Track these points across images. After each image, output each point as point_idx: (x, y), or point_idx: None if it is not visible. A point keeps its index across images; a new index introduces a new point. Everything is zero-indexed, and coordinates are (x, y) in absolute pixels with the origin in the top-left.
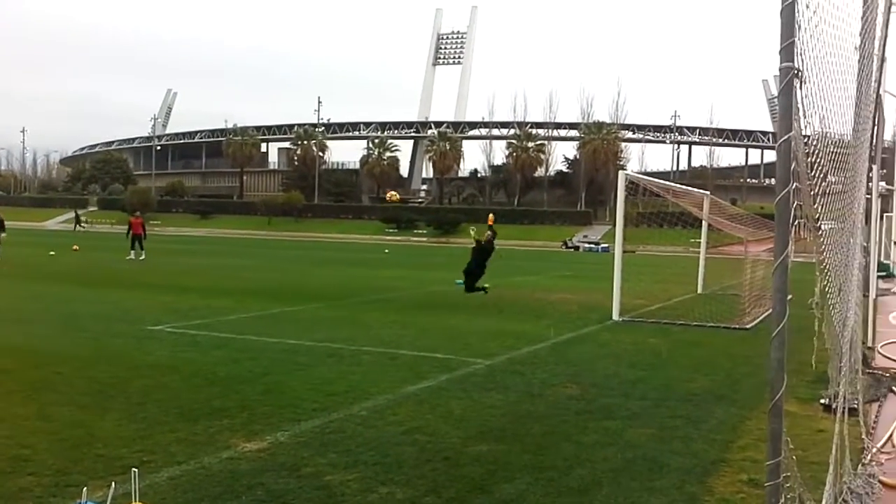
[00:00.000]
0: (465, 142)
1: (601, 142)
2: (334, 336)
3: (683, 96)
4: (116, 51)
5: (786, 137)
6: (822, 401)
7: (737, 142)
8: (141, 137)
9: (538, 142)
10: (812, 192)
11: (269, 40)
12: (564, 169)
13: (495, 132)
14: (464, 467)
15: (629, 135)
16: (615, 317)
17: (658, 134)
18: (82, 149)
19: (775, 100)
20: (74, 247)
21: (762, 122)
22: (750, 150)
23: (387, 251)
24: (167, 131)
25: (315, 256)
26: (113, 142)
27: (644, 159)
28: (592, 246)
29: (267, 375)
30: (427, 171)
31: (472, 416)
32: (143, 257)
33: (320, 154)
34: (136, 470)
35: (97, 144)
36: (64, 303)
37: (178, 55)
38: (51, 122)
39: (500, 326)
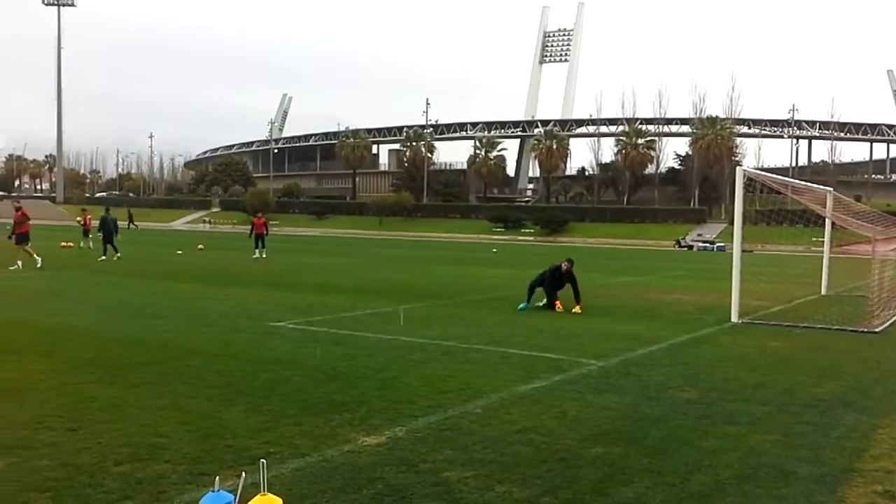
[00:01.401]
0: (572, 140)
1: (715, 137)
2: (446, 334)
3: (802, 89)
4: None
5: None
6: None
7: (860, 136)
8: (259, 141)
9: (648, 138)
10: None
11: (378, 44)
12: (676, 166)
13: (603, 129)
14: (580, 469)
15: (744, 130)
16: (734, 318)
17: (775, 128)
18: (205, 152)
19: None
20: (199, 246)
21: (887, 114)
22: (874, 144)
23: (495, 250)
24: (283, 135)
25: (424, 255)
26: (233, 145)
27: (760, 155)
28: (707, 245)
29: (383, 371)
30: (534, 169)
31: (586, 418)
32: (264, 255)
33: (429, 155)
34: (264, 461)
35: (219, 148)
36: (192, 299)
37: (293, 61)
38: (176, 127)
39: (612, 327)
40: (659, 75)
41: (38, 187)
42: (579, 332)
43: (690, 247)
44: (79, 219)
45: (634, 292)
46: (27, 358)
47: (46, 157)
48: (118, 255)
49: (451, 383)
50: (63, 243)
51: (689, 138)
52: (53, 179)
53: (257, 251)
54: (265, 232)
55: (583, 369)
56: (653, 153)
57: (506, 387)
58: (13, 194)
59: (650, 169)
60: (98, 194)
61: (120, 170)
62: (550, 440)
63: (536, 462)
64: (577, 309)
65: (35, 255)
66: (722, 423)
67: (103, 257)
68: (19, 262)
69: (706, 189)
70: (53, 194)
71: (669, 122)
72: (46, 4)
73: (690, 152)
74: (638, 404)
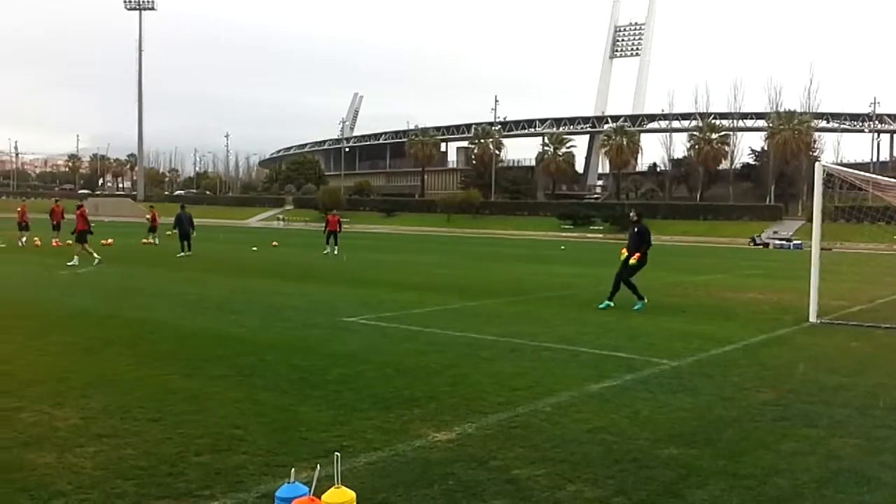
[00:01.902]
0: (643, 135)
1: (792, 132)
2: (515, 331)
3: (884, 81)
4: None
5: None
6: None
7: None
8: (331, 140)
9: (722, 133)
10: None
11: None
12: (751, 161)
13: (675, 124)
14: (653, 469)
15: (823, 124)
16: (812, 318)
17: (855, 122)
18: (278, 151)
19: None
20: (274, 243)
21: None
22: None
23: (563, 247)
24: (354, 133)
25: (492, 253)
26: (306, 144)
27: (840, 150)
28: (784, 242)
29: (453, 368)
30: (603, 166)
31: (659, 418)
32: (336, 252)
33: (497, 152)
34: (338, 454)
35: (292, 147)
36: (267, 295)
37: (364, 61)
38: (251, 127)
39: (685, 327)
40: (733, 69)
41: (120, 186)
42: (651, 332)
43: (766, 244)
44: (147, 216)
45: (708, 291)
46: (113, 350)
47: (128, 156)
48: (190, 252)
49: (520, 381)
50: (144, 240)
51: (765, 133)
52: (134, 178)
53: (328, 247)
54: (338, 229)
55: (655, 369)
56: (727, 148)
57: (576, 385)
58: (97, 193)
59: (724, 165)
60: (176, 192)
61: (197, 168)
62: (622, 440)
63: (608, 462)
64: (625, 252)
65: (94, 254)
66: (800, 426)
67: (181, 253)
68: (86, 255)
69: (782, 185)
70: (134, 192)
71: (744, 116)
72: (129, 9)
73: (766, 147)
74: (713, 405)
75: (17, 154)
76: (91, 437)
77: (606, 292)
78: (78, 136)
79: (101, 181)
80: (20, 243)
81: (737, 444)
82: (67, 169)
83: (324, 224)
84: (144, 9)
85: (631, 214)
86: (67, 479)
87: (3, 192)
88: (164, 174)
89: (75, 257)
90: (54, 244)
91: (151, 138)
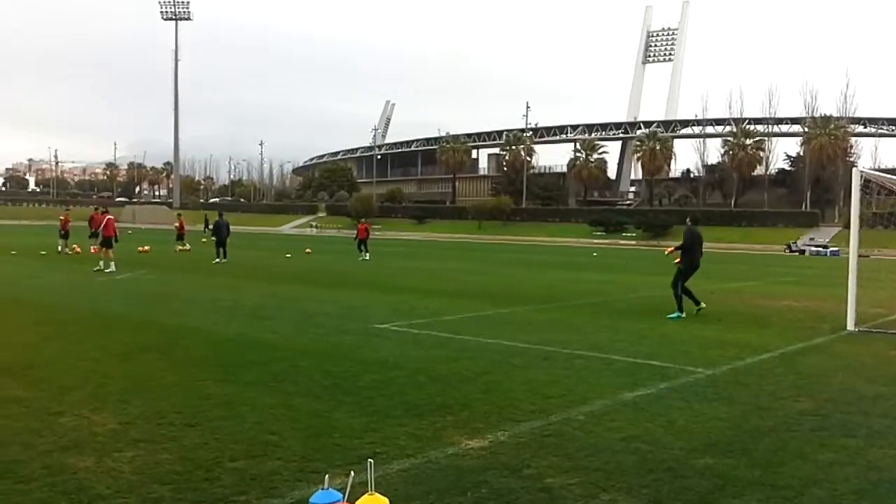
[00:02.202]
0: (676, 141)
1: (828, 137)
2: (547, 339)
3: None
4: (341, 67)
5: None
6: None
7: None
8: (363, 147)
9: (756, 139)
10: None
11: (479, 50)
12: (786, 167)
13: (709, 130)
14: (688, 479)
15: (860, 129)
16: (850, 327)
17: (893, 127)
18: (311, 159)
19: None
20: (307, 250)
21: None
22: None
23: (595, 254)
24: (386, 141)
25: (523, 259)
26: (338, 152)
27: (877, 155)
28: (820, 249)
29: (485, 375)
30: (636, 172)
31: (694, 427)
32: (367, 258)
33: (528, 158)
34: (371, 460)
35: (325, 155)
36: (299, 301)
37: (396, 69)
38: (285, 135)
39: (720, 335)
40: (768, 73)
41: (157, 193)
42: (686, 339)
43: (802, 251)
44: (175, 224)
45: (743, 298)
46: (149, 355)
47: (164, 164)
48: (225, 259)
49: (553, 389)
50: (179, 247)
51: (801, 138)
52: (170, 186)
53: (362, 254)
54: (367, 236)
55: (690, 377)
56: (762, 154)
57: (609, 393)
58: (134, 200)
59: (759, 170)
60: (211, 200)
61: (232, 176)
62: (657, 449)
63: (642, 471)
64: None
65: (112, 261)
66: (839, 436)
67: (216, 260)
68: (108, 262)
69: (818, 191)
70: (170, 200)
71: (779, 121)
72: (165, 19)
73: (802, 153)
74: (748, 414)
75: (56, 162)
76: (128, 441)
77: (643, 298)
78: (115, 143)
79: (137, 189)
80: (60, 250)
81: (773, 454)
82: (105, 177)
83: (356, 232)
84: (180, 19)
85: (687, 220)
86: (106, 484)
87: (44, 199)
88: (199, 182)
89: (101, 262)
90: (92, 251)
91: (187, 146)
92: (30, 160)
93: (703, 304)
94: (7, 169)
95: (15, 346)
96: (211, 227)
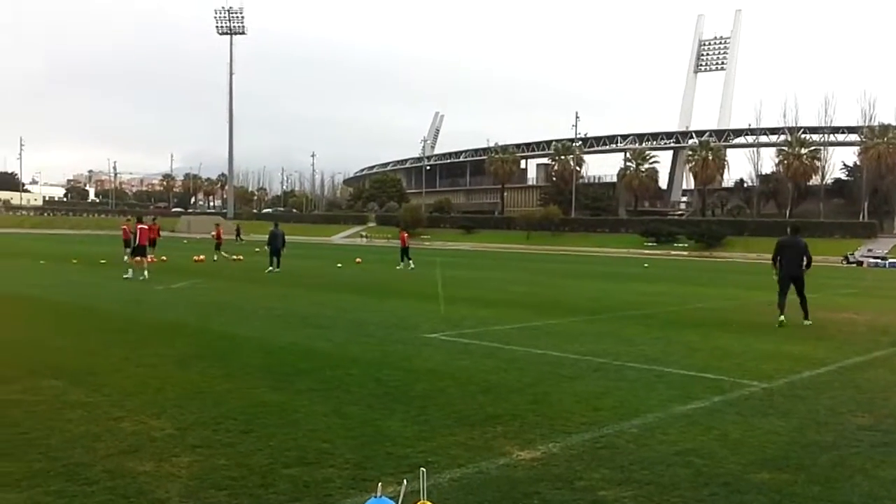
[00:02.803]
0: (729, 150)
1: (886, 146)
2: (597, 350)
3: None
4: (392, 79)
5: None
6: None
7: None
8: (412, 158)
9: (812, 148)
10: None
11: (528, 60)
12: (843, 177)
13: (763, 139)
14: (745, 495)
15: None
16: None
17: None
18: (362, 170)
19: None
20: (357, 259)
21: None
22: None
23: (646, 265)
24: (435, 152)
25: (573, 270)
26: (388, 163)
27: None
28: (878, 261)
29: (535, 386)
30: (688, 182)
31: (750, 442)
32: (411, 266)
33: (577, 168)
34: (423, 469)
35: (375, 166)
36: (351, 310)
37: (445, 79)
38: (336, 146)
39: (775, 347)
40: (824, 82)
41: (212, 204)
42: (740, 352)
43: (860, 262)
44: (213, 233)
45: (799, 311)
46: (205, 362)
47: (219, 175)
48: (278, 269)
49: (605, 401)
50: (234, 256)
51: (858, 147)
52: (225, 196)
53: (402, 263)
54: (406, 245)
55: (745, 391)
56: (817, 163)
57: (662, 406)
58: (189, 210)
59: (814, 180)
60: (264, 210)
61: (284, 187)
62: (711, 463)
63: (697, 485)
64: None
65: (146, 269)
66: None
67: (269, 269)
68: (137, 270)
69: (876, 201)
70: (224, 210)
71: (836, 130)
72: (221, 34)
73: (859, 162)
74: (806, 429)
75: (115, 174)
76: (186, 447)
77: (695, 310)
78: (172, 155)
79: (193, 199)
80: (126, 259)
81: (832, 470)
82: (162, 188)
83: (399, 241)
84: (235, 33)
85: (787, 230)
86: (165, 488)
87: (103, 209)
88: (252, 193)
89: (130, 270)
90: (150, 260)
91: (241, 157)
92: (90, 171)
93: (783, 319)
94: (68, 180)
95: (79, 352)
96: (242, 237)
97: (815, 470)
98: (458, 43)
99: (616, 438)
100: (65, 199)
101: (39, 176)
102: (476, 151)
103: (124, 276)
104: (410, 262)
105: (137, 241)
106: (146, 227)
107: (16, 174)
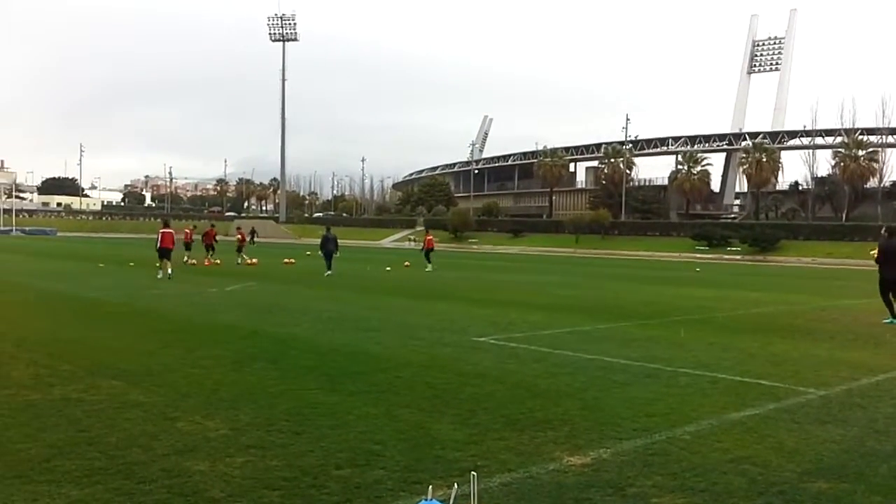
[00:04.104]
0: (784, 153)
1: None
2: (650, 356)
3: None
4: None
5: None
6: None
7: None
8: (461, 162)
9: (870, 150)
10: None
11: (577, 62)
12: None
13: (819, 141)
14: None
15: None
16: None
17: None
18: (411, 174)
19: None
20: (406, 263)
21: None
22: None
23: (698, 269)
24: (483, 155)
25: (623, 273)
26: (437, 167)
27: None
28: None
29: (585, 391)
30: (741, 184)
31: (806, 450)
32: (430, 269)
33: (627, 171)
34: (475, 473)
35: (423, 170)
36: (401, 313)
37: (494, 84)
38: (385, 151)
39: (833, 354)
40: (881, 82)
41: (264, 208)
42: (796, 359)
43: None
44: (237, 237)
45: (857, 316)
46: (259, 364)
47: (271, 180)
48: (331, 272)
49: (656, 406)
50: (286, 260)
51: None
52: (277, 201)
53: (430, 265)
54: (433, 247)
55: (801, 398)
56: (875, 165)
57: (716, 413)
58: (242, 215)
59: (872, 183)
60: (315, 214)
61: (335, 191)
62: (767, 472)
63: (752, 494)
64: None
65: (169, 269)
66: None
67: (329, 272)
68: (164, 271)
69: None
70: (277, 215)
71: (894, 131)
72: (273, 41)
73: None
74: (864, 438)
75: (171, 179)
76: (240, 447)
77: (750, 315)
78: (226, 161)
79: (246, 204)
80: (185, 261)
81: (894, 480)
82: (216, 192)
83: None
84: (288, 40)
85: (882, 232)
86: (220, 487)
87: (159, 213)
88: (303, 197)
89: (160, 270)
90: (206, 263)
91: (292, 162)
92: (146, 177)
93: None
94: (126, 185)
95: (137, 353)
96: (255, 239)
97: (876, 480)
98: (507, 47)
99: (668, 445)
100: (122, 204)
101: (98, 181)
102: (524, 155)
103: (159, 277)
104: (430, 264)
105: (160, 244)
106: (171, 231)
107: (76, 179)
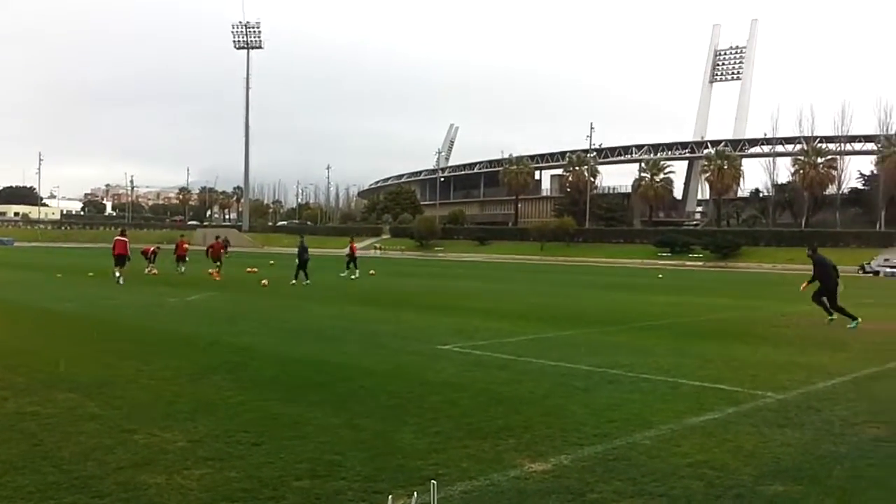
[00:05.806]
0: (745, 161)
1: None
2: (611, 362)
3: None
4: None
5: None
6: None
7: None
8: (427, 170)
9: (828, 157)
10: None
11: (540, 71)
12: (860, 186)
13: (779, 148)
14: None
15: None
16: None
17: None
18: (376, 182)
19: None
20: (371, 272)
21: None
22: None
23: (660, 276)
24: (450, 163)
25: (586, 281)
26: (403, 175)
27: None
28: (895, 270)
29: (547, 398)
30: (703, 192)
31: (763, 453)
32: (355, 276)
33: (591, 179)
34: (434, 482)
35: (389, 178)
36: (364, 322)
37: (460, 92)
38: (351, 159)
39: (790, 358)
40: (840, 91)
41: (227, 217)
42: (755, 363)
43: (877, 272)
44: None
45: (815, 321)
46: (218, 375)
47: (234, 188)
48: (308, 281)
49: (617, 412)
50: (248, 269)
51: (875, 156)
52: (240, 209)
53: (347, 270)
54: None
55: (759, 402)
56: (834, 173)
57: (676, 418)
58: (205, 224)
59: (831, 190)
60: (279, 223)
61: (299, 200)
62: (724, 475)
63: (710, 497)
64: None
65: (118, 274)
66: None
67: (307, 281)
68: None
69: (893, 210)
70: (240, 223)
71: (852, 139)
72: (238, 48)
73: (876, 171)
74: (820, 440)
75: (132, 187)
76: (197, 459)
77: (710, 321)
78: (188, 169)
79: (209, 212)
80: (178, 271)
81: (847, 482)
82: (178, 201)
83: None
84: (252, 48)
85: (808, 252)
86: (176, 500)
87: (120, 223)
88: (268, 205)
89: (119, 276)
90: (216, 276)
91: (256, 171)
92: (107, 185)
93: (834, 316)
94: (86, 194)
95: (94, 364)
96: (228, 250)
97: (830, 482)
98: (472, 55)
99: (629, 450)
100: (82, 213)
101: (57, 190)
102: (490, 163)
103: (119, 282)
104: (357, 270)
105: (115, 251)
106: (125, 239)
107: (34, 188)
